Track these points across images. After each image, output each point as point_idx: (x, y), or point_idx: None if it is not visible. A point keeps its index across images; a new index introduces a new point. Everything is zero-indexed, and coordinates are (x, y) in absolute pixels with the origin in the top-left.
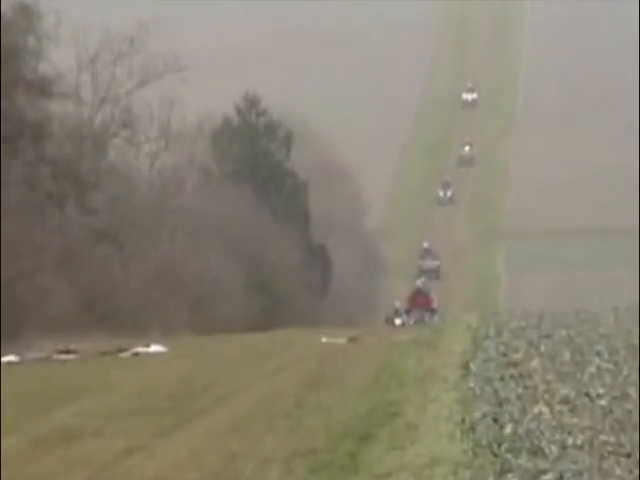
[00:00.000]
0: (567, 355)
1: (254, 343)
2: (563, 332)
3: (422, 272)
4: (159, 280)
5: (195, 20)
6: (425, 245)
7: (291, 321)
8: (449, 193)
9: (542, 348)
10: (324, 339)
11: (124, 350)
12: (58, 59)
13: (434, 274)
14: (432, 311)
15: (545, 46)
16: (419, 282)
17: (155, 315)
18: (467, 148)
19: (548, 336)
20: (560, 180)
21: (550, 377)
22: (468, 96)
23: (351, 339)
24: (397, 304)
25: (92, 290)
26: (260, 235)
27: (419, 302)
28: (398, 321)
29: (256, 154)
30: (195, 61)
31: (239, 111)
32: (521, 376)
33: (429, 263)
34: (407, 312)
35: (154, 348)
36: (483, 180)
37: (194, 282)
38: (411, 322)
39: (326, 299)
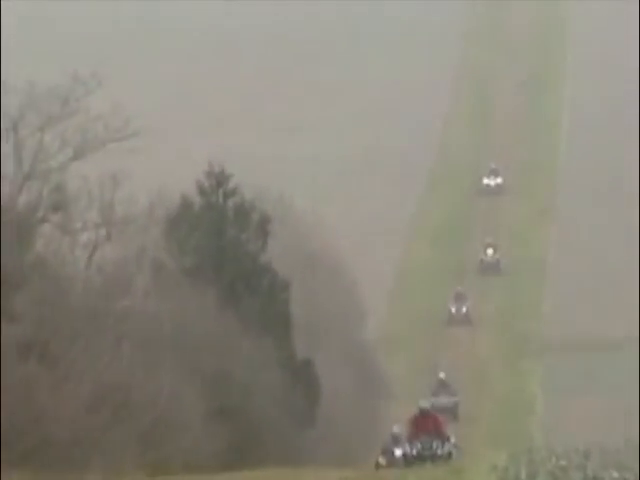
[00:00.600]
0: None
1: None
2: (616, 475)
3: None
4: (99, 406)
5: (145, 74)
6: (441, 376)
7: (267, 459)
8: (464, 309)
9: None
10: None
11: None
12: None
13: (451, 413)
14: (442, 438)
15: (587, 110)
16: (424, 402)
17: (94, 451)
18: (490, 251)
19: (597, 479)
20: (608, 278)
21: None
22: (491, 181)
23: None
24: (396, 429)
25: (13, 419)
26: (228, 348)
27: (425, 426)
28: (398, 452)
29: (223, 245)
30: (145, 126)
31: (201, 190)
32: None
33: (445, 400)
34: (410, 440)
35: None
36: (512, 287)
37: (144, 408)
38: (414, 453)
39: (313, 430)
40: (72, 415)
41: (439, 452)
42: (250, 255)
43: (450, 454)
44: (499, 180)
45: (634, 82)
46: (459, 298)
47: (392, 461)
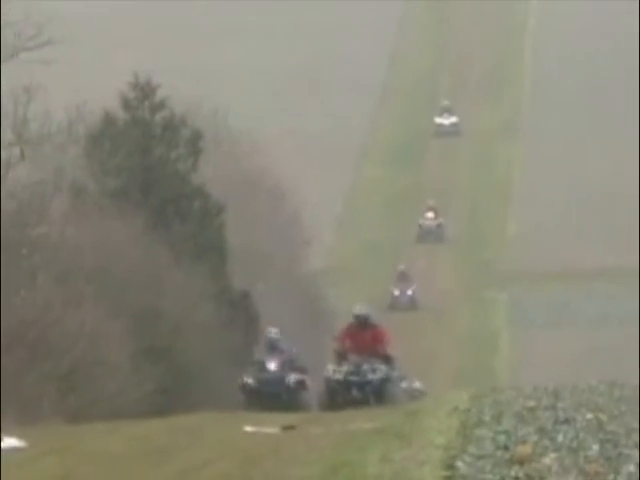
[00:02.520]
0: (595, 448)
1: (148, 435)
2: (589, 415)
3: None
4: (13, 345)
5: None
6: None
7: (201, 403)
8: (409, 292)
9: (559, 438)
10: (248, 428)
11: None
12: None
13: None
14: (388, 360)
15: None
16: (360, 307)
17: (8, 395)
18: (430, 214)
19: (567, 421)
20: (584, 200)
21: None
22: (444, 120)
23: (287, 428)
24: (273, 334)
25: None
26: (157, 281)
27: (360, 343)
28: (272, 365)
29: (150, 165)
30: (63, 33)
31: (126, 104)
32: (530, 479)
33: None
34: (337, 360)
35: (7, 442)
36: (474, 210)
37: (63, 348)
38: (337, 377)
39: None
40: None
41: (369, 377)
42: (180, 175)
43: (386, 380)
44: (454, 119)
45: None
46: (403, 279)
47: (262, 378)
